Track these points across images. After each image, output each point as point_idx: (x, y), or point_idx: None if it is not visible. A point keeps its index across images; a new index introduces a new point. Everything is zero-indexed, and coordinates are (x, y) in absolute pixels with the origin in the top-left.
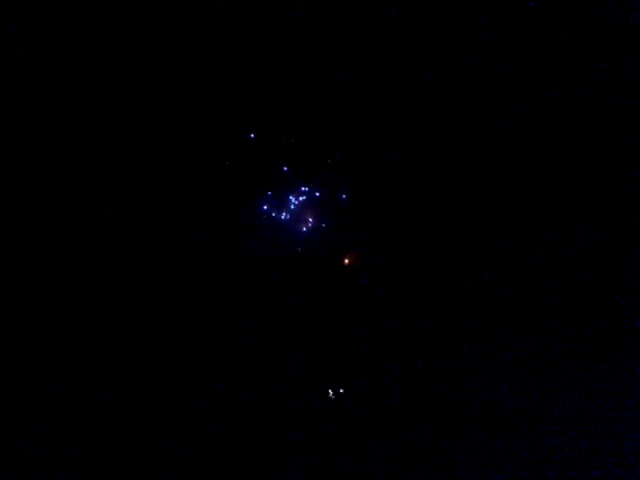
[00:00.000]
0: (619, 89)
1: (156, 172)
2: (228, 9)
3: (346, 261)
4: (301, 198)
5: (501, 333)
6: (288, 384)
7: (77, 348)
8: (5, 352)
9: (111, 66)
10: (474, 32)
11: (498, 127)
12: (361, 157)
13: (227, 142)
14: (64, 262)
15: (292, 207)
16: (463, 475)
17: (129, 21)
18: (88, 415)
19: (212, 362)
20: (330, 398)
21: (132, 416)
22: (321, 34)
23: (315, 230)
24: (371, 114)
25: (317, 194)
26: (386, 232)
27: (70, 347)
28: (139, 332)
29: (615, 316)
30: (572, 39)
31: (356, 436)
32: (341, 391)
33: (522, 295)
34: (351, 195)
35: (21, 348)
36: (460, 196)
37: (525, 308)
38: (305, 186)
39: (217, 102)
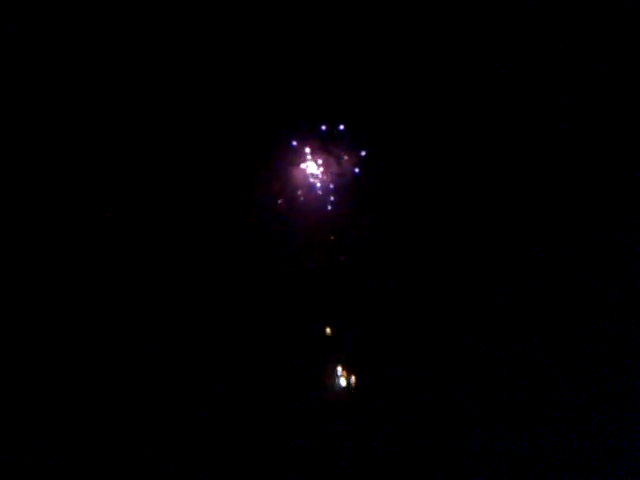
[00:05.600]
0: (619, 89)
1: (156, 170)
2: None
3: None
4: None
5: (502, 334)
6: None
7: (76, 349)
8: (5, 352)
9: (111, 67)
10: (475, 32)
11: (498, 129)
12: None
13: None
14: (63, 262)
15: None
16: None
17: (129, 21)
18: (88, 415)
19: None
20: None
21: (132, 416)
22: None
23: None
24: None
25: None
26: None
27: (69, 347)
28: (139, 331)
29: (615, 316)
30: (572, 39)
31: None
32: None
33: (522, 295)
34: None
35: (21, 348)
36: (462, 196)
37: (526, 308)
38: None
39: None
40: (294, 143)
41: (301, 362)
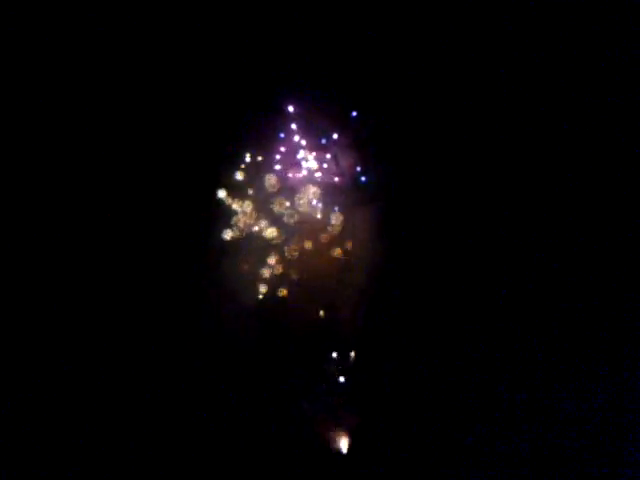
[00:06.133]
0: (619, 89)
1: (154, 172)
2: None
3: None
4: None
5: (502, 334)
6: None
7: (77, 348)
8: (5, 352)
9: (111, 67)
10: (475, 32)
11: (498, 130)
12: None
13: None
14: (64, 261)
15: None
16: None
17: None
18: (88, 415)
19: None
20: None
21: (132, 416)
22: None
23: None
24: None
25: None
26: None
27: (70, 347)
28: (140, 330)
29: (615, 316)
30: (572, 39)
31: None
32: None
33: (522, 295)
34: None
35: (21, 348)
36: (462, 195)
37: (526, 308)
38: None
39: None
40: (294, 143)
41: (300, 358)
